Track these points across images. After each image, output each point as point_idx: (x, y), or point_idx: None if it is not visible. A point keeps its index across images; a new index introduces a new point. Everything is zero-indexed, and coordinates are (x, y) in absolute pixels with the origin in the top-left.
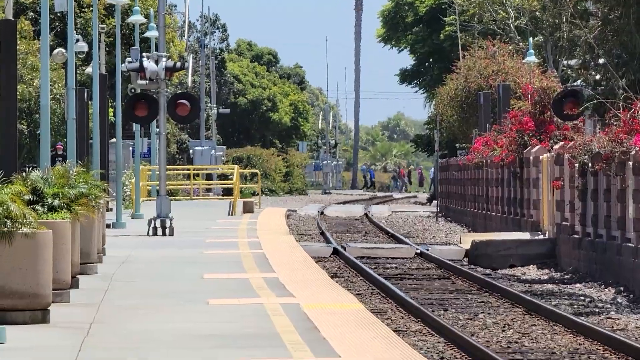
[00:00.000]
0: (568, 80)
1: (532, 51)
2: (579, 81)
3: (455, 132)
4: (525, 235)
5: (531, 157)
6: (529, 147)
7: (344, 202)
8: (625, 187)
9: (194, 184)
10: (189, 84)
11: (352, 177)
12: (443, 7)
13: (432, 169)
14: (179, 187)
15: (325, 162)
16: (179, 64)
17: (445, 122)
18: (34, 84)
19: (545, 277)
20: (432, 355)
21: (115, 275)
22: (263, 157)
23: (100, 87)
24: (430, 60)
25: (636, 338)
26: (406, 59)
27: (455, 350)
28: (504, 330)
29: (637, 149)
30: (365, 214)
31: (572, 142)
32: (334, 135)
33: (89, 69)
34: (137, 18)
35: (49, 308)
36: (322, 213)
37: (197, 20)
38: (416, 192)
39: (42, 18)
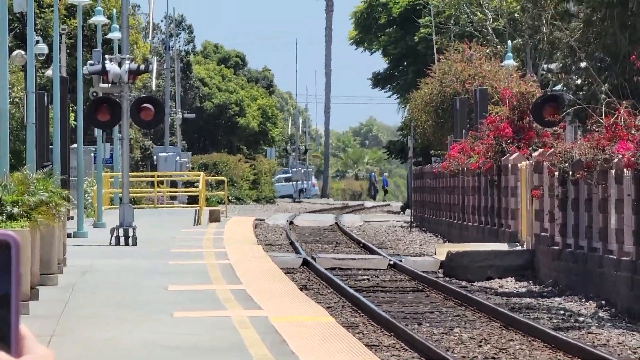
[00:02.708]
0: (548, 84)
1: (510, 54)
2: (559, 86)
3: (429, 138)
4: (502, 246)
5: (509, 165)
6: (507, 155)
7: (315, 211)
8: (608, 196)
9: (158, 192)
10: (153, 87)
11: (323, 184)
12: (418, 8)
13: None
14: (143, 194)
15: (294, 169)
16: (142, 67)
17: (420, 127)
18: None
19: (524, 289)
20: None
21: (77, 286)
22: (230, 164)
23: (60, 91)
24: (405, 63)
25: (618, 354)
26: (379, 63)
27: None
28: (480, 346)
29: (620, 156)
30: (336, 223)
31: (552, 149)
32: (304, 140)
33: (49, 72)
34: (99, 19)
35: None
36: (291, 222)
37: (162, 21)
38: (387, 201)
39: (1, 19)
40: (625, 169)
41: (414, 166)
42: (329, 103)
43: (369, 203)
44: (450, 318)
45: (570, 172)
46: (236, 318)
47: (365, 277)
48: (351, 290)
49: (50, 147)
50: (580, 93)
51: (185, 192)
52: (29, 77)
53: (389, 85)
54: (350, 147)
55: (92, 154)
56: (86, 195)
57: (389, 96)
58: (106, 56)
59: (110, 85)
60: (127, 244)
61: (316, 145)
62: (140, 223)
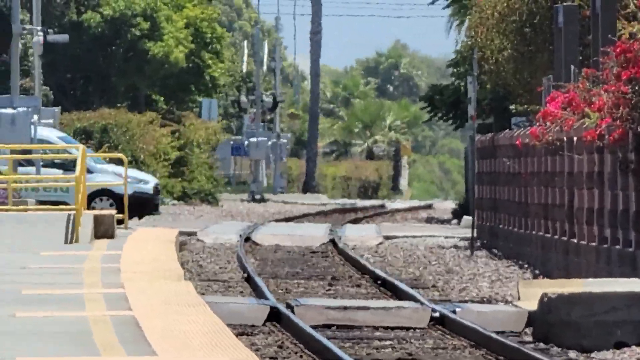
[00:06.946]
0: None
1: None
2: None
3: (507, 82)
4: None
5: None
6: None
7: (291, 218)
8: None
9: None
10: None
11: (307, 167)
12: None
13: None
14: None
15: (254, 139)
16: None
17: (490, 62)
18: None
19: None
20: None
21: None
22: (133, 129)
23: None
24: None
25: None
26: None
27: None
28: None
29: None
30: (333, 241)
31: None
32: (272, 86)
33: None
34: None
35: None
36: (248, 239)
37: None
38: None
39: None
40: None
41: (478, 134)
42: (319, 15)
43: (395, 203)
44: None
45: None
46: None
47: (388, 342)
48: None
49: None
50: None
51: (50, 182)
52: None
53: None
54: (359, 96)
55: None
56: None
57: (432, 2)
58: None
59: None
60: None
61: (295, 95)
62: None
